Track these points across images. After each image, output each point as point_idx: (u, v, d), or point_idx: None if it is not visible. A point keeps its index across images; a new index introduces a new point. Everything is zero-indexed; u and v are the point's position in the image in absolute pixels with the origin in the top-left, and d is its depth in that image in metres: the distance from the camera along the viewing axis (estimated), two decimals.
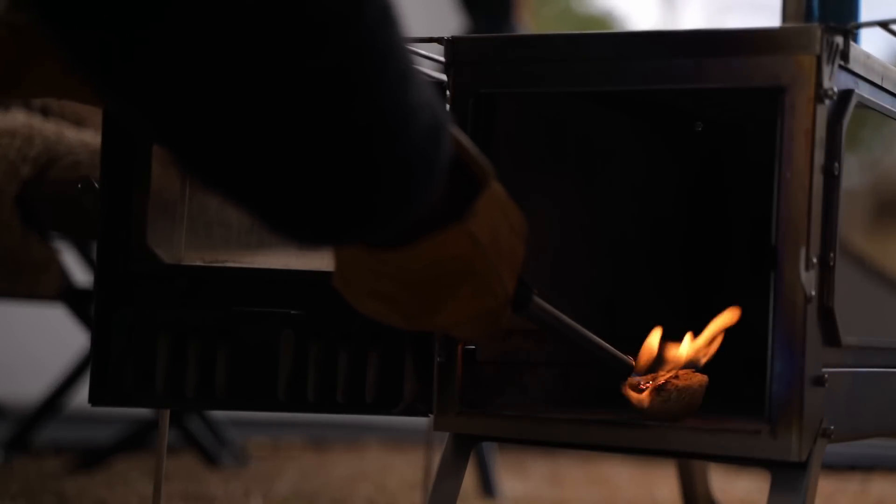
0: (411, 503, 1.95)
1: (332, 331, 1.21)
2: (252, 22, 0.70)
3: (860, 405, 1.17)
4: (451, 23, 2.66)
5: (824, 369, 1.09)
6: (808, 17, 1.37)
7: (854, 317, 1.12)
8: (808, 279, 1.07)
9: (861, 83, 1.13)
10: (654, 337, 1.18)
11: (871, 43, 1.32)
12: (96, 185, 1.41)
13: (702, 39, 1.11)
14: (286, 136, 0.74)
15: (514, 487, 2.18)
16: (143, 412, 2.27)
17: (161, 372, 1.20)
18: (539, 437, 1.18)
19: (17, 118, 1.67)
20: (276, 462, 2.43)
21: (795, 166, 1.07)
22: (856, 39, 1.21)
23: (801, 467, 1.07)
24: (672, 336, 1.19)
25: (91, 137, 1.67)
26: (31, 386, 2.67)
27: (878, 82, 1.17)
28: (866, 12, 1.40)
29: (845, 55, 1.09)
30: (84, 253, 2.17)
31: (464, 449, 1.20)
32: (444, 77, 1.20)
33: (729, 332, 1.20)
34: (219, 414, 2.39)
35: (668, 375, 1.14)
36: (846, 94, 1.10)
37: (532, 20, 3.13)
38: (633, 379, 1.14)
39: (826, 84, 1.07)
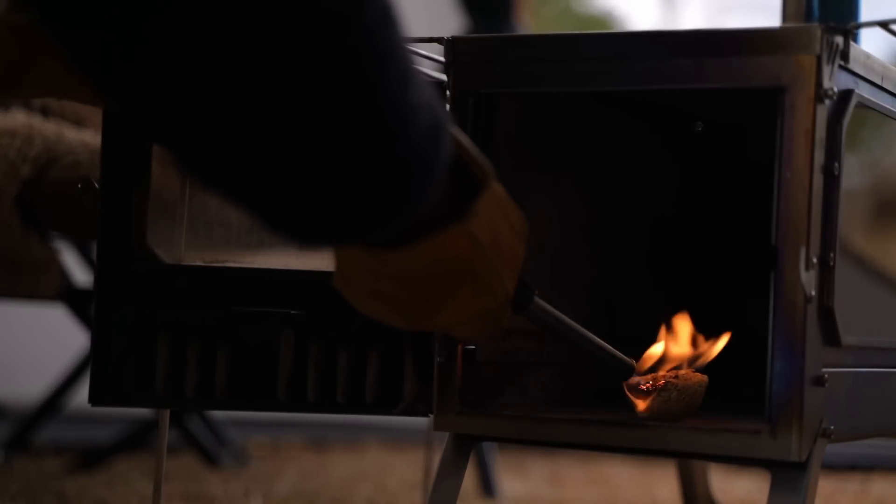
0: (411, 503, 1.95)
1: (332, 331, 1.21)
2: (252, 22, 0.70)
3: (860, 405, 1.17)
4: (451, 23, 2.66)
5: (824, 369, 1.09)
6: (808, 17, 1.37)
7: (854, 317, 1.12)
8: (808, 279, 1.07)
9: (861, 83, 1.13)
10: (660, 345, 1.18)
11: (871, 43, 1.33)
12: (96, 185, 1.41)
13: (702, 39, 1.11)
14: (286, 136, 0.74)
15: (514, 487, 2.18)
16: (143, 412, 2.27)
17: (161, 372, 1.20)
18: (539, 437, 1.18)
19: (17, 118, 1.67)
20: (276, 462, 2.42)
21: (795, 166, 1.07)
22: (856, 39, 1.21)
23: (801, 467, 1.07)
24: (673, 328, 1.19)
25: (91, 137, 1.67)
26: (31, 386, 2.67)
27: (878, 82, 1.17)
28: (866, 12, 1.40)
29: (845, 55, 1.09)
30: (84, 253, 2.17)
31: (464, 449, 1.20)
32: (444, 77, 1.20)
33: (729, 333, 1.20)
34: (219, 414, 2.39)
35: (668, 375, 1.14)
36: (846, 94, 1.10)
37: (532, 20, 3.12)
38: (634, 379, 1.14)
39: (826, 84, 1.07)
